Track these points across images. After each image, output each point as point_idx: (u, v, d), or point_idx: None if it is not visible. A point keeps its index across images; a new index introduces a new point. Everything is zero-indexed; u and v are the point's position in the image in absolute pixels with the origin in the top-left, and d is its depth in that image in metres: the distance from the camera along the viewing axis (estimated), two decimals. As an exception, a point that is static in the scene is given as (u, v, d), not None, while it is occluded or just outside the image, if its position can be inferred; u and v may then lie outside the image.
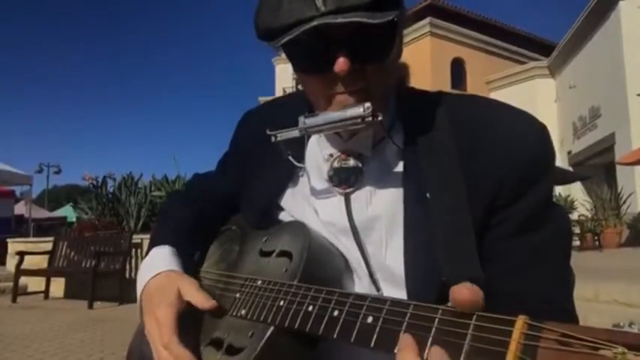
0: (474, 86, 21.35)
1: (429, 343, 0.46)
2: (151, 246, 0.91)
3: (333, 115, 0.71)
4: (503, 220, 0.71)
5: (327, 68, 0.68)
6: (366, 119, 0.68)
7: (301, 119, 0.74)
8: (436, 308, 0.48)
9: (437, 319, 0.47)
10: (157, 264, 0.86)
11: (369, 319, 0.55)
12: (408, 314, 0.50)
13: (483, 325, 0.44)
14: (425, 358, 0.46)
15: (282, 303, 0.70)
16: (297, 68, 0.74)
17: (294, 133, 0.75)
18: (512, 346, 0.39)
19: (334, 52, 0.67)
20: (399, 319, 0.51)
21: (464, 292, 0.47)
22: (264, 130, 0.80)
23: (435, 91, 0.84)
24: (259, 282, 0.78)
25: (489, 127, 0.73)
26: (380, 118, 0.69)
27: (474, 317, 0.45)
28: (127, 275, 6.96)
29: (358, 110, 0.68)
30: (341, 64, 0.67)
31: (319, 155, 0.84)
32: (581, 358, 0.36)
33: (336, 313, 0.61)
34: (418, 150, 0.75)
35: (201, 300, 0.79)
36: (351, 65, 0.67)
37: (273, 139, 0.77)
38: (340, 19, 0.63)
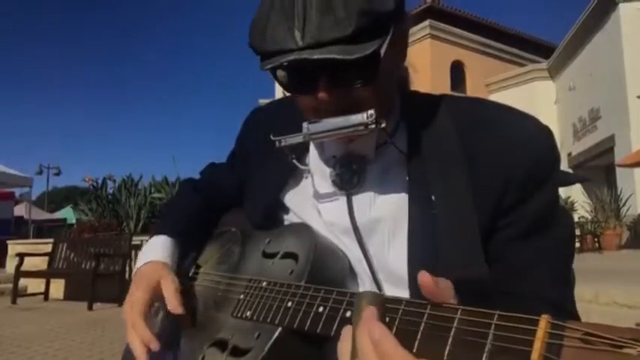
0: (473, 88, 21.35)
1: (449, 343, 0.46)
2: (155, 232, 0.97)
3: (336, 121, 0.70)
4: (509, 223, 0.71)
5: (310, 92, 0.69)
6: (369, 126, 0.68)
7: (305, 125, 0.73)
8: (455, 308, 0.48)
9: (456, 319, 0.47)
10: (149, 254, 0.91)
11: (386, 320, 0.55)
12: (426, 314, 0.50)
13: (506, 324, 0.43)
14: (446, 358, 0.46)
15: (290, 304, 0.69)
16: (283, 89, 0.74)
17: (298, 139, 0.74)
18: (537, 345, 0.39)
19: (316, 79, 0.67)
20: (416, 319, 0.50)
21: (422, 277, 0.49)
22: (269, 129, 0.80)
23: (439, 94, 0.84)
24: (264, 283, 0.78)
25: (494, 130, 0.73)
26: (383, 125, 0.69)
27: (496, 317, 0.44)
28: (127, 277, 6.91)
29: (361, 117, 0.68)
30: (322, 92, 0.68)
31: (323, 157, 0.84)
32: (605, 356, 0.36)
33: (348, 314, 0.61)
34: (422, 152, 0.75)
35: (173, 303, 0.83)
36: (334, 90, 0.68)
37: (277, 144, 0.77)
38: (317, 56, 0.63)
